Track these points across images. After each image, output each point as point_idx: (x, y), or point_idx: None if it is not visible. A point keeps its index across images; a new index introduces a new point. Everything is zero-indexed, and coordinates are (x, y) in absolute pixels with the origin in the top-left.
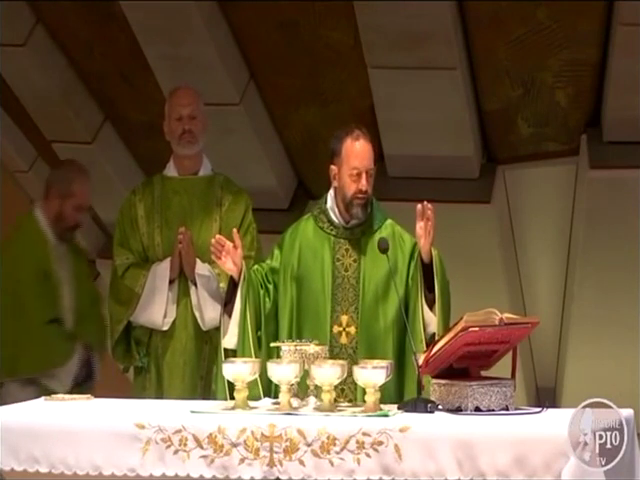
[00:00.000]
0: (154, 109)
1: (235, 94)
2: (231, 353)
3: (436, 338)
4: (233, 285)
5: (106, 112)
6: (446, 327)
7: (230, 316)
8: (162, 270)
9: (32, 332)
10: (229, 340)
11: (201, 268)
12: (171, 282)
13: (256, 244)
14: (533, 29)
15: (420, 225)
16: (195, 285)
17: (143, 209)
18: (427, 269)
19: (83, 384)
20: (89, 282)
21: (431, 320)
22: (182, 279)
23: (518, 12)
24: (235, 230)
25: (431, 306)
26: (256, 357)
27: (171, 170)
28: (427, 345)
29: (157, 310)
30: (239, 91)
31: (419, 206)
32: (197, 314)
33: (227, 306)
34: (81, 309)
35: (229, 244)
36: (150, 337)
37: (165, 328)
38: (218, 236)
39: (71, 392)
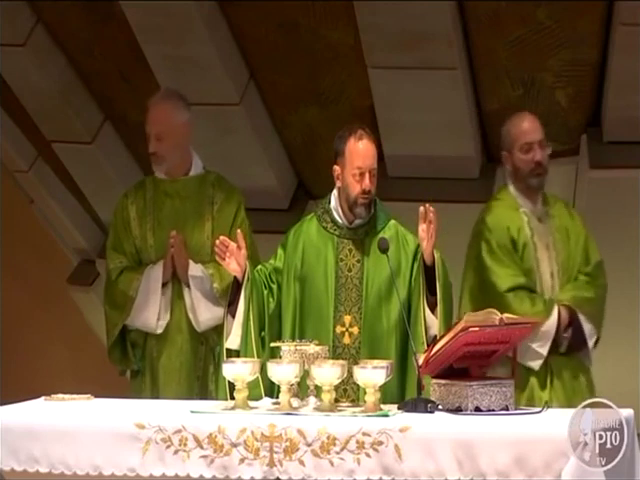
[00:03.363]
0: None
1: (235, 94)
2: (234, 353)
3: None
4: (237, 285)
5: (106, 112)
6: (448, 330)
7: (234, 317)
8: (155, 273)
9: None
10: (233, 340)
11: (194, 269)
12: (164, 285)
13: (248, 241)
14: (533, 29)
15: (422, 227)
16: (189, 287)
17: (135, 212)
18: (429, 271)
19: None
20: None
21: (433, 323)
22: (176, 282)
23: (518, 12)
24: (239, 231)
25: (433, 309)
26: (259, 357)
27: (160, 172)
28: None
29: (151, 313)
30: (239, 91)
31: (421, 208)
32: (191, 316)
33: (231, 307)
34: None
35: (233, 245)
36: (145, 340)
37: (159, 331)
38: (222, 237)
39: None
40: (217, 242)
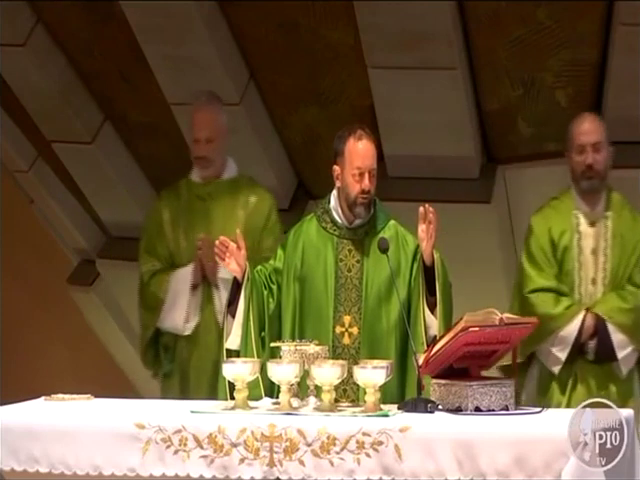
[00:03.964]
0: (154, 109)
1: (235, 94)
2: (234, 354)
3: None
4: (237, 286)
5: (106, 112)
6: (448, 330)
7: (234, 317)
8: (184, 275)
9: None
10: (233, 340)
11: (223, 272)
12: (195, 287)
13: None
14: (533, 29)
15: (422, 228)
16: (218, 289)
17: (168, 214)
18: (429, 272)
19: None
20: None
21: (432, 323)
22: (206, 284)
23: (518, 12)
24: (238, 231)
25: (432, 309)
26: (259, 358)
27: (195, 175)
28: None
29: (178, 315)
30: (239, 91)
31: (421, 209)
32: (219, 318)
33: (230, 307)
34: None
35: (233, 245)
36: (176, 342)
37: (187, 333)
38: (222, 237)
39: None
40: (217, 242)
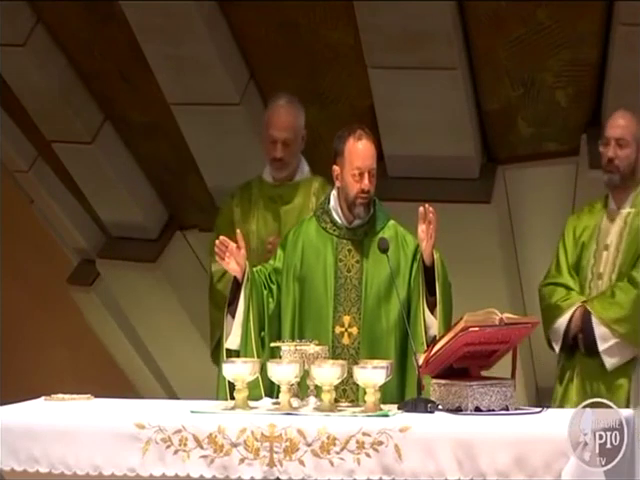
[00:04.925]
0: (154, 109)
1: (235, 94)
2: (234, 354)
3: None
4: (236, 286)
5: (106, 112)
6: (448, 330)
7: (233, 317)
8: None
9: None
10: (232, 340)
11: None
12: None
13: None
14: (533, 29)
15: (422, 228)
16: None
17: (240, 214)
18: (429, 272)
19: None
20: None
21: (432, 323)
22: None
23: (518, 12)
24: (238, 231)
25: (432, 309)
26: (259, 357)
27: (267, 174)
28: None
29: None
30: (239, 91)
31: (421, 209)
32: None
33: (230, 306)
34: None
35: (232, 245)
36: None
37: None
38: (222, 237)
39: None
40: (217, 242)
